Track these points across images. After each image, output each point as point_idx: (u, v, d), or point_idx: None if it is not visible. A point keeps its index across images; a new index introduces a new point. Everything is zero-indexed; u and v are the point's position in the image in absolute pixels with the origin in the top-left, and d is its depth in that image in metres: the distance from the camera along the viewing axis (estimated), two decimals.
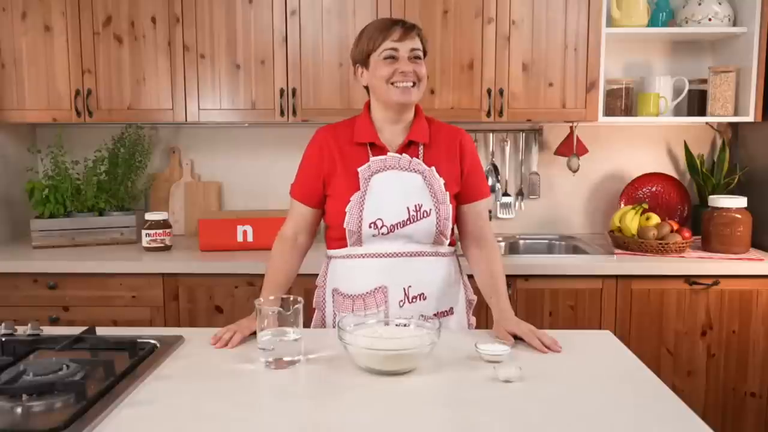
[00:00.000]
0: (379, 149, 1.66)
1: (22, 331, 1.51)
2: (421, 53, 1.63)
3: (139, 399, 1.21)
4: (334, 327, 1.70)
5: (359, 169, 1.64)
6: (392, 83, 1.60)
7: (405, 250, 1.64)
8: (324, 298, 1.76)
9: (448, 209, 1.65)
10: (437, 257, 1.68)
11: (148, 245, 2.61)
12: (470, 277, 1.80)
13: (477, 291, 1.79)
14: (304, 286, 2.34)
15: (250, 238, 2.60)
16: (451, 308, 1.72)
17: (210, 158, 3.07)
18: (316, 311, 1.79)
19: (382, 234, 1.62)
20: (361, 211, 1.61)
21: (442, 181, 1.65)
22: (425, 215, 1.63)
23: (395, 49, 1.59)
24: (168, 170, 3.06)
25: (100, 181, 2.81)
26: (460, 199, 1.72)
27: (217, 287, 2.46)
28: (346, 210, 1.62)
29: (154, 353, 1.42)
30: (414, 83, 1.61)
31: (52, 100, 2.68)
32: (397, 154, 1.66)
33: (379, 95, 1.65)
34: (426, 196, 1.63)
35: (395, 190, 1.63)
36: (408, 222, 1.62)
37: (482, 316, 2.16)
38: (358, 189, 1.62)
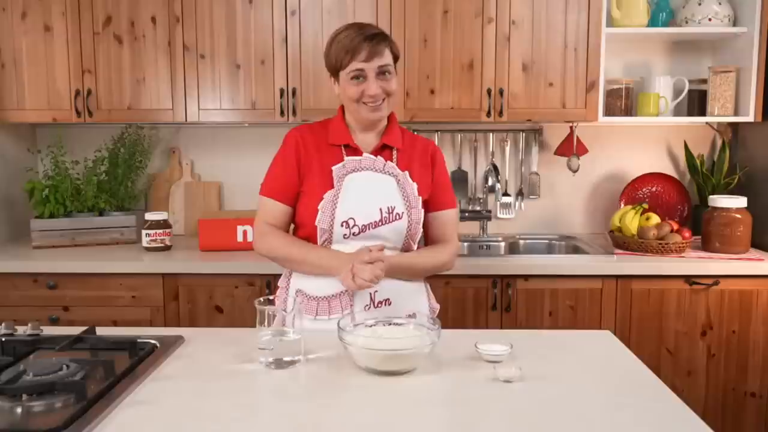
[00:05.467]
0: (353, 150, 1.67)
1: (22, 331, 1.51)
2: (390, 67, 1.61)
3: (139, 399, 1.21)
4: None
5: (334, 168, 1.63)
6: (362, 102, 1.61)
7: None
8: (285, 300, 1.69)
9: (420, 213, 1.67)
10: None
11: (148, 245, 2.60)
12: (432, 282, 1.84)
13: (439, 299, 1.83)
14: None
15: (250, 238, 2.59)
16: (414, 314, 1.67)
17: (210, 158, 3.06)
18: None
19: (353, 234, 1.61)
20: (333, 209, 1.60)
21: (415, 186, 1.67)
22: (397, 218, 1.63)
23: (362, 70, 1.58)
24: (168, 170, 3.06)
25: (100, 181, 2.81)
26: (427, 207, 1.73)
27: (217, 287, 2.46)
28: (319, 207, 1.61)
29: (154, 353, 1.42)
30: (384, 99, 1.62)
31: (52, 100, 2.67)
32: (372, 156, 1.67)
33: (349, 111, 1.67)
34: (399, 199, 1.64)
35: (369, 191, 1.63)
36: (380, 223, 1.62)
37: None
38: (332, 187, 1.62)
